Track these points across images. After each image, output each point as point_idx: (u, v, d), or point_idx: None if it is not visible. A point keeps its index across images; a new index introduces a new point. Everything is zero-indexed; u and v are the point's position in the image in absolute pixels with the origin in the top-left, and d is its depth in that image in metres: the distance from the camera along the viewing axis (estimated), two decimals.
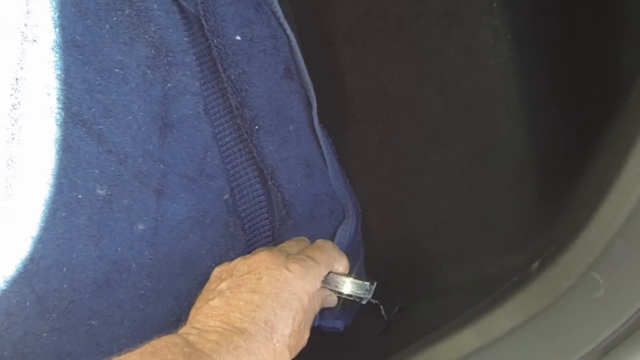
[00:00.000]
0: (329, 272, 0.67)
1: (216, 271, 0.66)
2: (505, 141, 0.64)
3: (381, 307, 0.70)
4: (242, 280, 0.62)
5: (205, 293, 0.64)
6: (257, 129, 0.72)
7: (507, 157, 0.64)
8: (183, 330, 0.58)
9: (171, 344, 0.54)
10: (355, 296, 0.68)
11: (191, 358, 0.53)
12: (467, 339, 0.59)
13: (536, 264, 0.59)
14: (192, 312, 0.61)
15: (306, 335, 0.63)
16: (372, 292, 0.69)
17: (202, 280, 0.73)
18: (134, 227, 0.70)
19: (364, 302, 0.69)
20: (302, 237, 0.73)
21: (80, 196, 0.68)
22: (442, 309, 0.67)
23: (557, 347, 0.56)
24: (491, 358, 0.57)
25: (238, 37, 0.70)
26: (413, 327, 0.68)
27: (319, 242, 0.70)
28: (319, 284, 0.65)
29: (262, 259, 0.63)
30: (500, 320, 0.58)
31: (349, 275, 0.69)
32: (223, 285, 0.62)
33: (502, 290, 0.61)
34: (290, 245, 0.68)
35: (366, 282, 0.69)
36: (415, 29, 0.66)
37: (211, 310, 0.60)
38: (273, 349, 0.59)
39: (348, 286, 0.68)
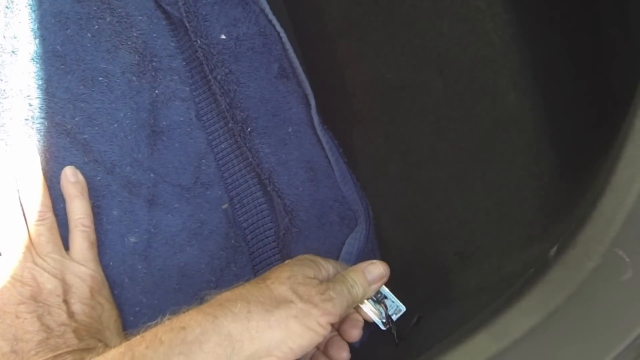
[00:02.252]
0: None
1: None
2: (513, 116, 0.53)
3: (393, 330, 0.60)
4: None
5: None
6: (250, 131, 0.64)
7: (517, 135, 0.54)
8: None
9: None
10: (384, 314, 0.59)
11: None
12: (481, 343, 0.48)
13: (554, 249, 0.48)
14: None
15: (334, 299, 0.52)
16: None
17: (202, 296, 0.65)
18: (125, 239, 0.62)
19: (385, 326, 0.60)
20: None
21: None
22: (460, 313, 0.56)
23: (586, 347, 0.45)
24: None
25: (223, 36, 0.63)
26: (428, 336, 0.57)
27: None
28: None
29: None
30: (517, 319, 0.47)
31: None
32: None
33: (519, 285, 0.49)
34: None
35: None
36: (407, 7, 0.58)
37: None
38: (267, 288, 0.51)
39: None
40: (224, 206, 0.67)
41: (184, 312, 0.50)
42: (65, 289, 0.59)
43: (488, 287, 0.57)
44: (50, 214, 0.61)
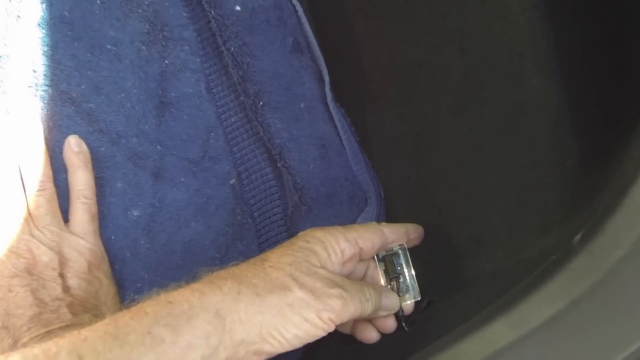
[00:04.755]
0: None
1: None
2: (537, 100, 0.52)
3: (401, 314, 0.58)
4: None
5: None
6: (262, 105, 0.62)
7: (540, 119, 0.52)
8: None
9: None
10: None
11: None
12: (499, 331, 0.46)
13: (578, 236, 0.47)
14: None
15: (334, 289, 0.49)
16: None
17: (194, 273, 0.63)
18: (129, 213, 0.60)
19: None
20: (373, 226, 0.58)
21: None
22: (474, 299, 0.55)
23: (609, 337, 0.43)
24: (528, 353, 0.45)
25: (238, 7, 0.61)
26: (442, 321, 0.56)
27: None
28: None
29: None
30: (537, 307, 0.45)
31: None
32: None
33: (540, 272, 0.48)
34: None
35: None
36: None
37: None
38: (263, 271, 0.49)
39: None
40: (232, 181, 0.64)
41: (172, 289, 0.47)
42: (62, 262, 0.57)
43: (503, 273, 0.56)
44: (50, 185, 0.58)
